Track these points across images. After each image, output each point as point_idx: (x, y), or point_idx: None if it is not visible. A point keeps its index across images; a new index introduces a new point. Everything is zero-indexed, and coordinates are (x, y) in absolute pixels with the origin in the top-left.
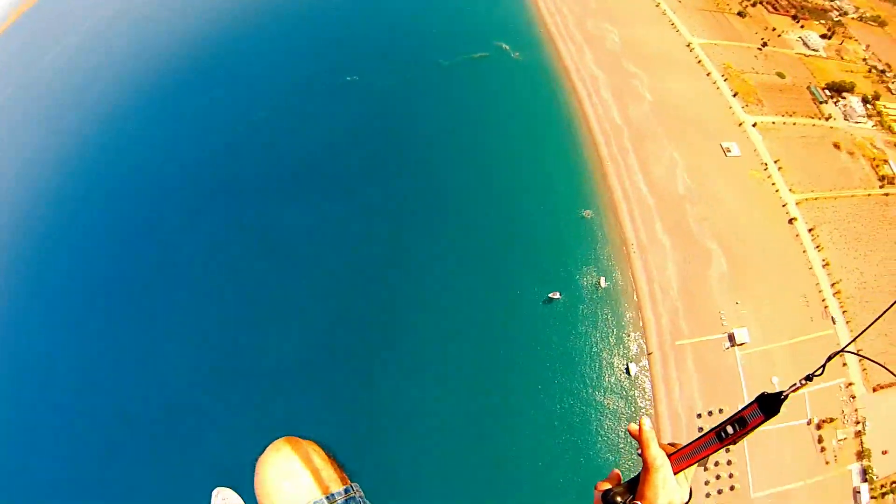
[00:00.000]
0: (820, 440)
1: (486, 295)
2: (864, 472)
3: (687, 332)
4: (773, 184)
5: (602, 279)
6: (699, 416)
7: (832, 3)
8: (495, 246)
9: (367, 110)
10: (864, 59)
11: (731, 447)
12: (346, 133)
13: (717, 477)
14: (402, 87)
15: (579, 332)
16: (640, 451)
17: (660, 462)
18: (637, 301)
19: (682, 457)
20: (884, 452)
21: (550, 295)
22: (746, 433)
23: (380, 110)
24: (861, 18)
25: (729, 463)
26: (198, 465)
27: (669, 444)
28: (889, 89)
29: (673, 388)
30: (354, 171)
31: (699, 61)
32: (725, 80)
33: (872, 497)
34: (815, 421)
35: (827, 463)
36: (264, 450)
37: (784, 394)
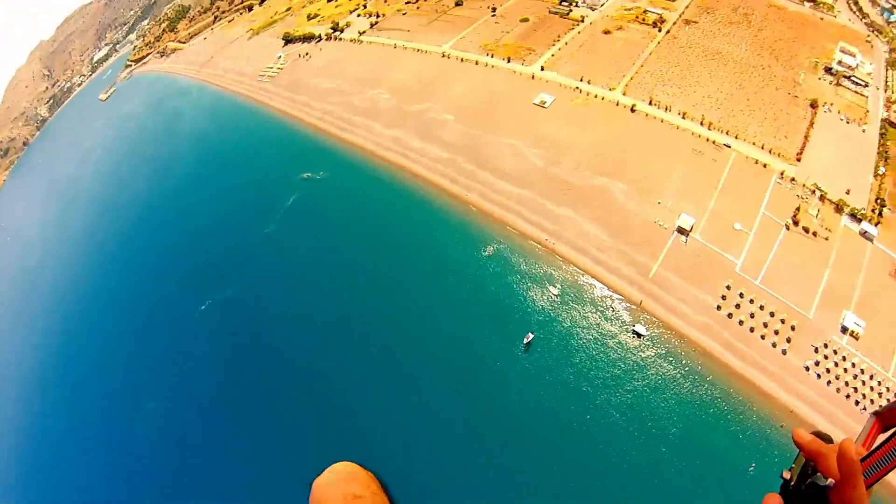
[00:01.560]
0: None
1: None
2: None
3: (649, 260)
4: (597, 95)
5: (552, 289)
6: (718, 308)
7: None
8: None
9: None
10: None
11: None
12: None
13: None
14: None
15: (576, 344)
16: (807, 474)
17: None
18: (592, 277)
19: (878, 463)
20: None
21: (525, 340)
22: None
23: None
24: None
25: None
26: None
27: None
28: None
29: (680, 309)
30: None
31: (462, 59)
32: (493, 56)
33: None
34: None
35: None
36: (322, 471)
37: None
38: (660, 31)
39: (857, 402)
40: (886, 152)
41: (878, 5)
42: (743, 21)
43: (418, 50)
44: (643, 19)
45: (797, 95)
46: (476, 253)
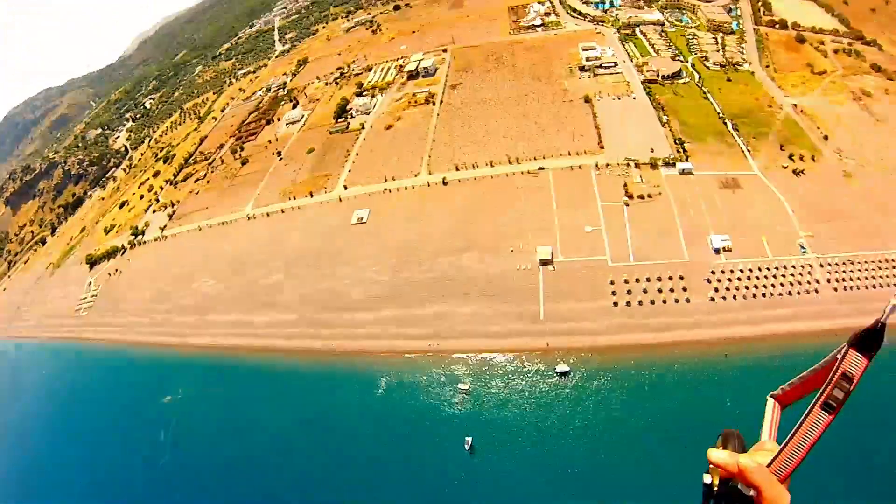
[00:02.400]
0: None
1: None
2: None
3: (532, 305)
4: (406, 187)
5: (463, 386)
6: (615, 304)
7: None
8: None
9: None
10: None
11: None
12: None
13: None
14: None
15: (515, 422)
16: (729, 485)
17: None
18: (490, 353)
19: (787, 459)
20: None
21: (466, 446)
22: (855, 387)
23: None
24: None
25: None
26: None
27: (730, 444)
28: None
29: (585, 327)
30: None
31: (268, 214)
32: (295, 197)
33: None
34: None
35: None
36: None
37: (884, 318)
38: (434, 104)
39: (763, 296)
40: (660, 104)
41: (590, 3)
42: (497, 64)
43: (223, 223)
44: (415, 101)
45: (571, 99)
46: (371, 395)
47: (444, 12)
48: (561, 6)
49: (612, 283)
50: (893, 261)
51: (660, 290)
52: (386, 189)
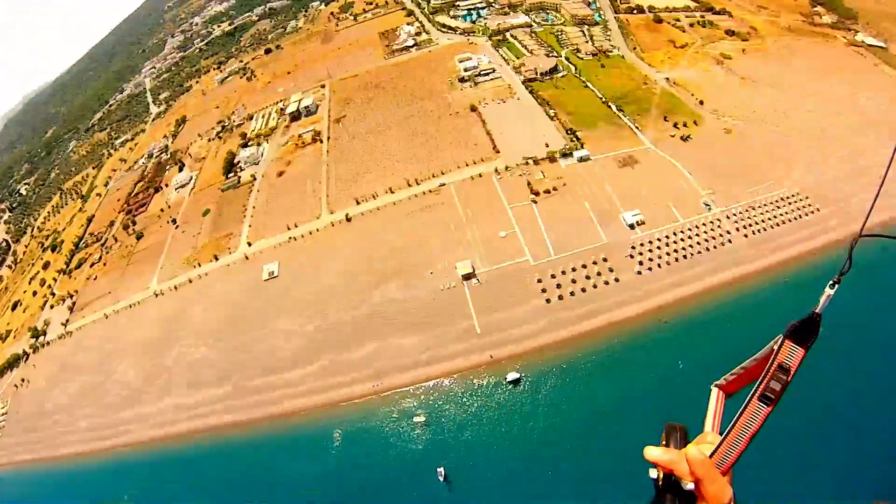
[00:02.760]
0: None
1: None
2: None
3: (466, 321)
4: (311, 232)
5: (418, 419)
6: (548, 301)
7: None
8: None
9: None
10: None
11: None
12: None
13: None
14: None
15: (479, 441)
16: (670, 480)
17: (728, 496)
18: (437, 378)
19: (728, 451)
20: None
21: (440, 478)
22: (793, 378)
23: None
24: None
25: None
26: None
27: (673, 435)
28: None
29: (524, 330)
30: None
31: (176, 287)
32: (200, 264)
33: None
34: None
35: None
36: None
37: (819, 310)
38: (321, 142)
39: (685, 257)
40: (544, 100)
41: (458, 17)
42: (378, 91)
43: (131, 305)
44: (303, 143)
45: (457, 111)
46: (327, 452)
47: (316, 48)
48: (430, 24)
49: (539, 281)
50: (787, 198)
51: (587, 277)
52: (291, 238)
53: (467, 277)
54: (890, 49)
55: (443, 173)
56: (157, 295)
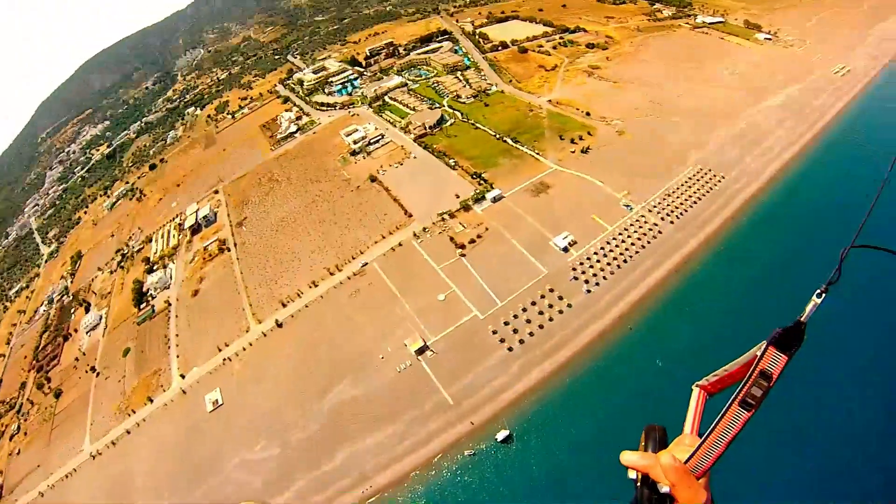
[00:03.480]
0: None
1: None
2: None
3: (434, 395)
4: (244, 348)
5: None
6: (510, 349)
7: None
8: None
9: None
10: None
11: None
12: None
13: None
14: None
15: None
16: (646, 482)
17: (701, 500)
18: (424, 466)
19: (706, 454)
20: None
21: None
22: (774, 384)
23: None
24: None
25: None
26: None
27: (654, 439)
28: None
29: (498, 383)
30: None
31: (114, 442)
32: (135, 410)
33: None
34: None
35: None
36: None
37: (804, 318)
38: (229, 250)
39: (626, 261)
40: (441, 151)
41: (333, 93)
42: (273, 184)
43: (67, 475)
44: (209, 255)
45: (357, 185)
46: None
47: (200, 154)
48: (308, 105)
49: (494, 332)
50: (693, 176)
51: (541, 313)
52: (225, 359)
53: (421, 352)
54: (728, 21)
55: (361, 252)
56: (93, 457)
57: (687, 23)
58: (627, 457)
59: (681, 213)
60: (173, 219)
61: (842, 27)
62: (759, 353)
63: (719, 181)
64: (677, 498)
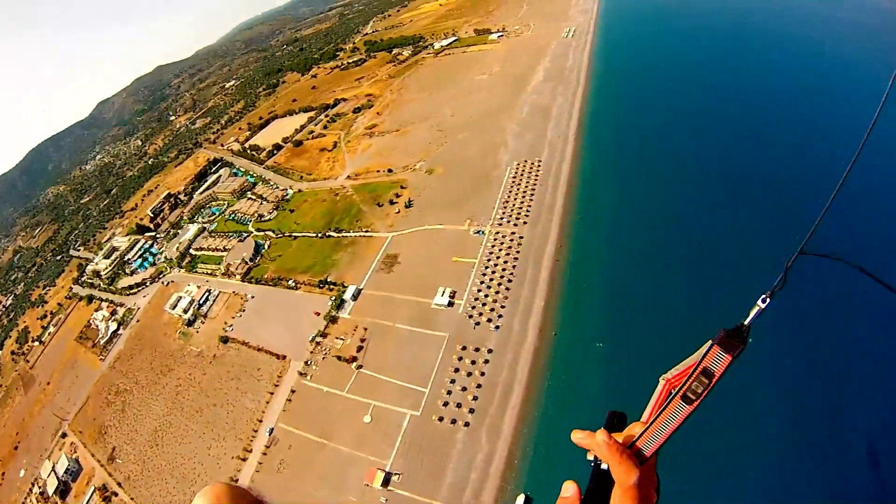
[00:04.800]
0: None
1: None
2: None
3: None
4: None
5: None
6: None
7: None
8: None
9: None
10: None
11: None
12: None
13: None
14: None
15: None
16: (596, 461)
17: (633, 479)
18: None
19: (649, 440)
20: None
21: None
22: (716, 383)
23: None
24: None
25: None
26: None
27: (614, 423)
28: None
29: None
30: None
31: None
32: None
33: None
34: None
35: None
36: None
37: (748, 322)
38: (116, 494)
39: (510, 280)
40: (275, 278)
41: (133, 271)
42: (122, 395)
43: None
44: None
45: (213, 354)
46: None
47: (24, 400)
48: (117, 295)
49: (440, 419)
50: (517, 174)
51: (469, 374)
52: None
53: (386, 482)
54: (461, 37)
55: (260, 420)
56: None
57: (428, 53)
58: (575, 435)
59: (528, 210)
60: (30, 490)
61: (548, 4)
62: (704, 351)
63: (539, 165)
64: (612, 474)
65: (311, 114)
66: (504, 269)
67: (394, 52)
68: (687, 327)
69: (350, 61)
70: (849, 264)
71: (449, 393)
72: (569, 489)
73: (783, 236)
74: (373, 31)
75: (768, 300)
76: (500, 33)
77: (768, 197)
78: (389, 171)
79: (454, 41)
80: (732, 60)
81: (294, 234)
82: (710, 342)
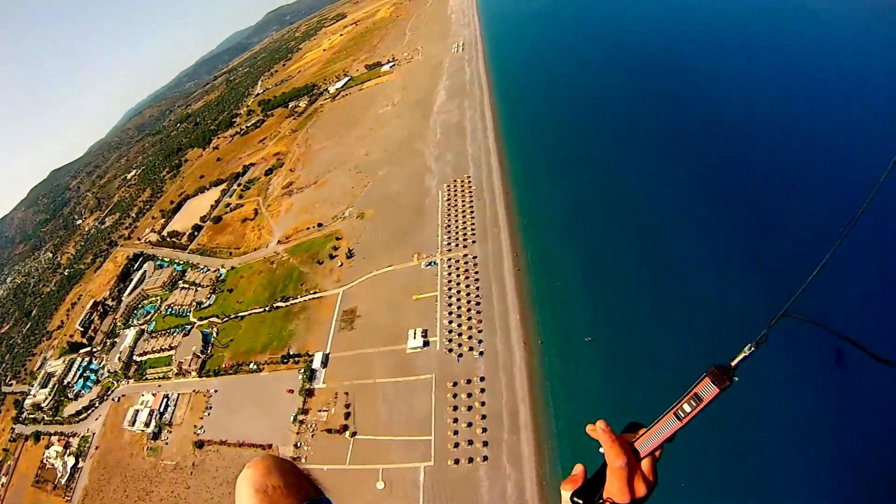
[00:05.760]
0: None
1: None
2: None
3: None
4: None
5: None
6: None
7: None
8: None
9: None
10: None
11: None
12: None
13: None
14: None
15: None
16: (601, 450)
17: (620, 463)
18: None
19: (645, 443)
20: None
21: None
22: (703, 408)
23: None
24: None
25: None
26: None
27: (631, 430)
28: None
29: None
30: None
31: None
32: None
33: None
34: None
35: None
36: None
37: (734, 364)
38: None
39: (479, 304)
40: (234, 365)
41: (78, 394)
42: None
43: None
44: None
45: (192, 462)
46: None
47: None
48: (65, 426)
49: (456, 461)
50: (447, 201)
51: (469, 408)
52: None
53: None
54: (353, 76)
55: None
56: None
57: (325, 99)
58: (587, 428)
59: (473, 229)
60: None
61: (430, 25)
62: (699, 379)
63: (469, 181)
64: (605, 456)
65: (223, 186)
66: (469, 294)
67: (291, 106)
68: (662, 301)
69: (249, 125)
70: (831, 332)
71: (456, 433)
72: (577, 469)
73: (731, 208)
74: (264, 91)
75: (753, 349)
76: (392, 63)
77: (702, 155)
78: (319, 225)
79: (348, 81)
80: (615, 38)
81: (240, 314)
82: (707, 372)
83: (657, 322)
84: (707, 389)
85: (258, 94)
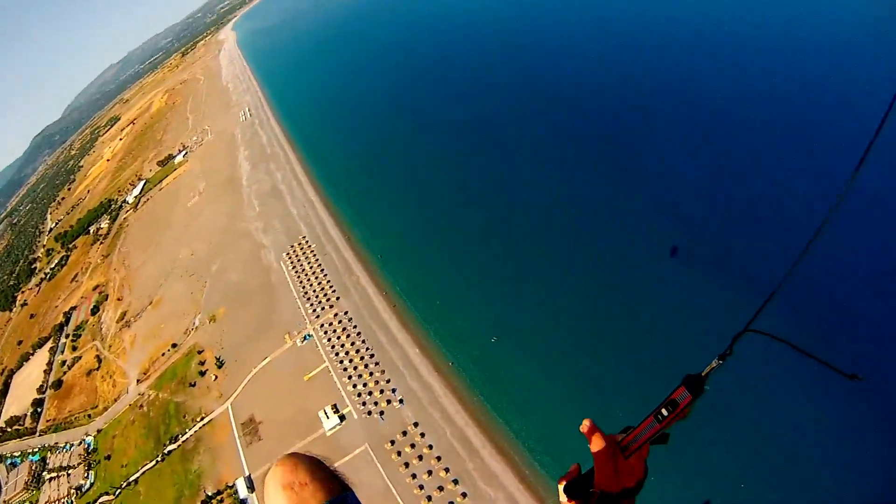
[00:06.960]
0: None
1: None
2: None
3: None
4: None
5: None
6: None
7: None
8: None
9: None
10: None
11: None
12: None
13: None
14: None
15: None
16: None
17: (603, 458)
18: None
19: (630, 442)
20: None
21: None
22: (678, 413)
23: None
24: None
25: None
26: None
27: (622, 431)
28: None
29: None
30: None
31: None
32: None
33: None
34: None
35: None
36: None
37: (704, 373)
38: None
39: (373, 357)
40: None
41: None
42: None
43: None
44: None
45: None
46: None
47: None
48: None
49: None
50: (294, 272)
51: (419, 458)
52: None
53: None
54: (148, 178)
55: None
56: None
57: (126, 211)
58: (580, 427)
59: (331, 286)
60: None
61: (209, 101)
62: (675, 388)
63: (307, 241)
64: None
65: (50, 344)
66: (358, 350)
67: (93, 231)
68: (540, 279)
69: (53, 266)
70: (795, 348)
71: (422, 487)
72: (572, 466)
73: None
74: (56, 223)
75: (721, 363)
76: (184, 151)
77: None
78: (174, 345)
79: (145, 184)
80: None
81: (131, 479)
82: (682, 380)
83: (552, 297)
84: (682, 397)
85: (51, 230)
